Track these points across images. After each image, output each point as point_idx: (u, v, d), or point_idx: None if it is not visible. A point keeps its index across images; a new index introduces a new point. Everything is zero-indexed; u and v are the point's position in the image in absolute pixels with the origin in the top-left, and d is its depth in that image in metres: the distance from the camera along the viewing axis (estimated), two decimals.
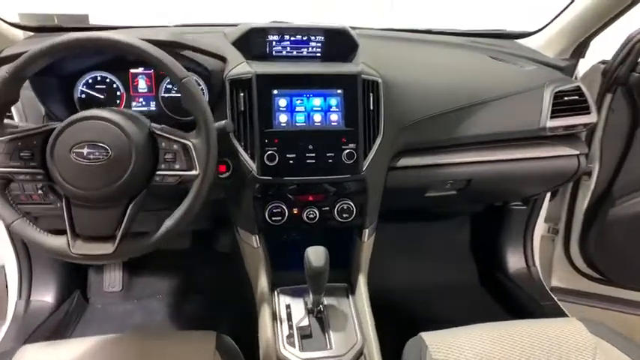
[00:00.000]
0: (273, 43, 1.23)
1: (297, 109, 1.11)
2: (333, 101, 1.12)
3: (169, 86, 1.21)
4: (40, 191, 1.14)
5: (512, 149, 1.33)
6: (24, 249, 1.51)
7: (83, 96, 1.18)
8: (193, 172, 0.87)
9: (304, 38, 1.23)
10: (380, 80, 1.14)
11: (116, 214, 0.86)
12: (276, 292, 1.19)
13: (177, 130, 0.91)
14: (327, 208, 1.14)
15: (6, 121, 0.88)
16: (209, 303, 1.76)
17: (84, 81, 1.17)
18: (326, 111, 1.12)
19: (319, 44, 1.24)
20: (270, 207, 1.11)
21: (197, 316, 1.72)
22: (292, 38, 1.23)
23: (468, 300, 1.83)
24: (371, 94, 1.12)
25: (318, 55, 1.25)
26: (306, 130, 1.10)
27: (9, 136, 0.85)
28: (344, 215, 1.14)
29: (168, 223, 0.87)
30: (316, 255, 0.99)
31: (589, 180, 1.64)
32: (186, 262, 1.87)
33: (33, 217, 1.34)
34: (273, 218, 1.12)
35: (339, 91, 1.12)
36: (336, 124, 1.12)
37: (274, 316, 1.12)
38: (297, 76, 1.12)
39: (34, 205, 1.19)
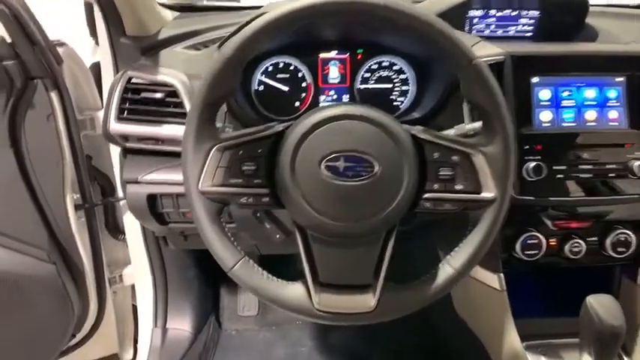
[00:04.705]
0: (475, 20, 1.01)
1: (564, 103, 0.83)
2: (612, 93, 0.83)
3: (367, 75, 0.95)
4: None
5: None
6: (161, 270, 1.29)
7: (261, 88, 0.94)
8: (487, 195, 0.59)
9: (514, 14, 1.01)
10: None
11: (374, 254, 0.60)
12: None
13: (448, 134, 0.64)
14: (596, 239, 0.85)
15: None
16: (354, 331, 1.49)
17: (263, 69, 0.93)
18: (602, 106, 0.82)
19: (532, 20, 1.01)
20: (524, 237, 0.82)
21: (346, 346, 1.46)
22: (499, 14, 1.01)
23: None
24: None
25: (529, 34, 1.03)
26: (577, 133, 0.82)
27: (226, 142, 0.60)
28: (619, 249, 0.84)
29: (453, 265, 0.60)
30: (607, 309, 0.70)
31: None
32: None
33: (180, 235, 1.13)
34: (527, 252, 0.83)
35: (619, 79, 0.83)
36: (616, 124, 0.83)
37: None
38: (566, 57, 0.84)
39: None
